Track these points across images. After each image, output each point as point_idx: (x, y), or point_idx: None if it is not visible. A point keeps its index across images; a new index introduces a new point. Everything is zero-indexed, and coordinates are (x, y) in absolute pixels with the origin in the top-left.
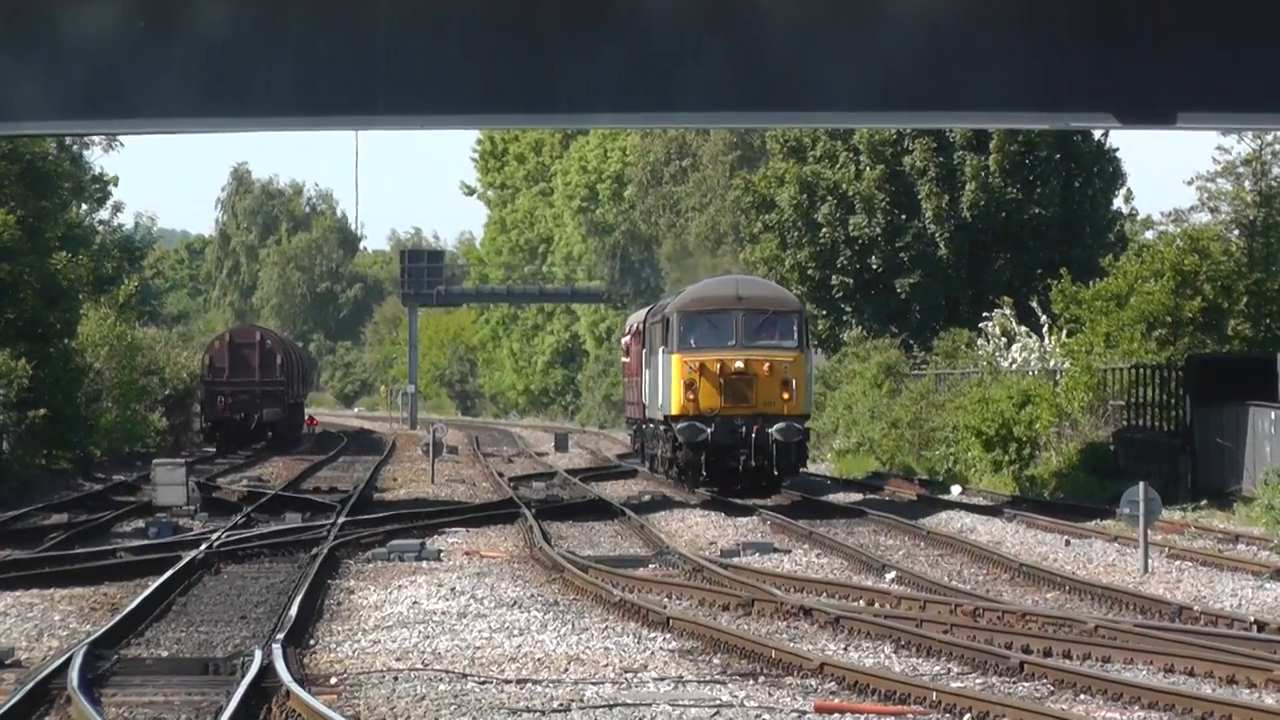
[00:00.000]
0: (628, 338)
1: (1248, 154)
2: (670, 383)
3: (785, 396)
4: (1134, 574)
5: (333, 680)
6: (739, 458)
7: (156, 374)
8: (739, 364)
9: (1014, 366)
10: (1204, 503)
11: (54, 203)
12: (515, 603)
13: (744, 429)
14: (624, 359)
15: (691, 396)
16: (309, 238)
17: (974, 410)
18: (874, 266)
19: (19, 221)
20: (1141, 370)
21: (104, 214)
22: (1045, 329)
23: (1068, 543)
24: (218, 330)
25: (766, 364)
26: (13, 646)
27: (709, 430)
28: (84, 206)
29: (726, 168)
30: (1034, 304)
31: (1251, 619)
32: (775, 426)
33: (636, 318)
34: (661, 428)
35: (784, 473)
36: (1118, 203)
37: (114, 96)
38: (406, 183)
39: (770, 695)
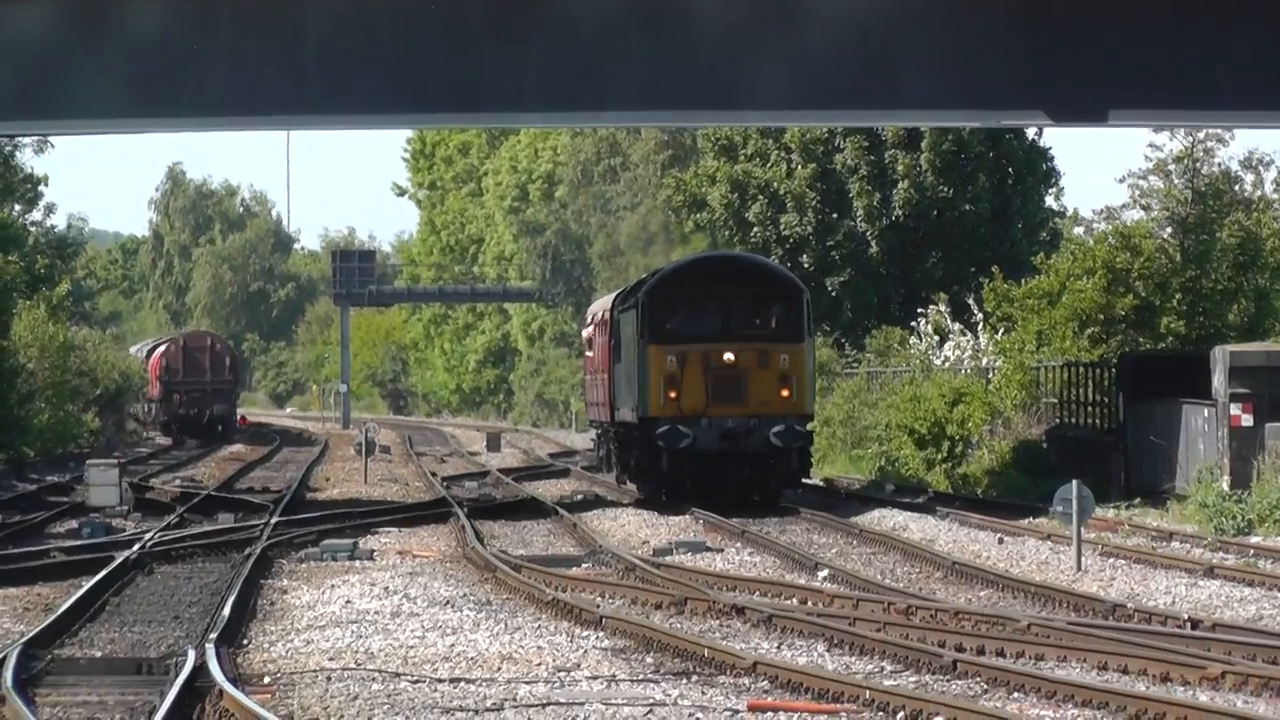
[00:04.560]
0: (589, 329)
1: (1179, 151)
2: (646, 379)
3: (784, 394)
4: (1067, 572)
5: (266, 680)
6: (730, 467)
7: (89, 374)
8: (728, 355)
9: (946, 365)
10: (1137, 500)
11: None
12: (448, 602)
13: (735, 433)
14: (586, 353)
15: (673, 395)
16: (243, 238)
17: (906, 409)
18: (805, 265)
19: None
20: (1074, 368)
21: (36, 214)
22: (980, 326)
23: (1001, 541)
24: (150, 330)
25: (762, 356)
26: None
27: (693, 435)
28: (16, 207)
29: (657, 167)
30: (970, 300)
31: (1185, 616)
32: (773, 430)
33: (602, 304)
34: (635, 432)
35: (783, 484)
36: (1049, 200)
37: (45, 97)
38: (343, 183)
39: (703, 694)
